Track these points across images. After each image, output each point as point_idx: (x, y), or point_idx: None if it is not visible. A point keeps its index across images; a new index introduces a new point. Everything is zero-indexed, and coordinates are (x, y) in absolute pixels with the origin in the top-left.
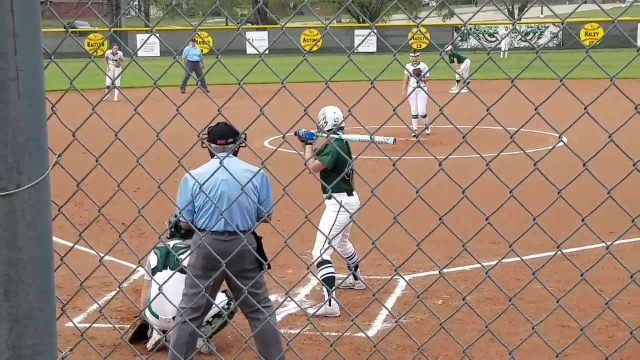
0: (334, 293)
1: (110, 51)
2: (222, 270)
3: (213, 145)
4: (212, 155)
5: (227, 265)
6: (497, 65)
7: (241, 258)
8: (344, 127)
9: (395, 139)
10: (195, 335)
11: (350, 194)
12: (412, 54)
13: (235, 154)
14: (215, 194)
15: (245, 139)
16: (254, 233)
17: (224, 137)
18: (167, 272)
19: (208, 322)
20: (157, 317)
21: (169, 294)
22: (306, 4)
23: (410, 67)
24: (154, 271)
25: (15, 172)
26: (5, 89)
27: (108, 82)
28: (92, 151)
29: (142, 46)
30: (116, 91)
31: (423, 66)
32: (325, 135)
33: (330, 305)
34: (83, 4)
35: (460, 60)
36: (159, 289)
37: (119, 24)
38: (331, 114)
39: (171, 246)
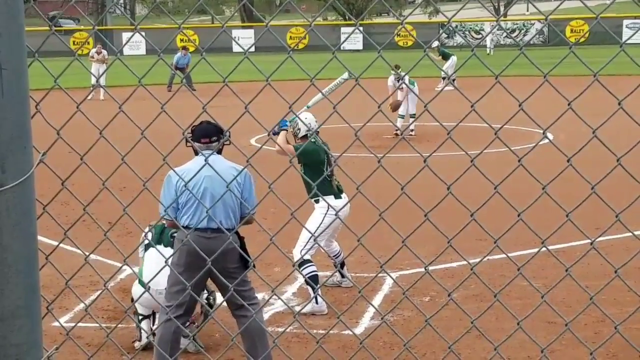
0: (319, 290)
1: (95, 50)
2: (206, 268)
3: (197, 143)
4: (196, 153)
5: (210, 262)
6: (482, 62)
7: (224, 256)
8: (318, 132)
9: (348, 73)
10: (179, 332)
11: (337, 196)
12: (393, 71)
13: (220, 152)
14: (199, 191)
15: (229, 136)
16: (236, 232)
17: (207, 135)
18: (161, 247)
19: (192, 321)
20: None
21: (161, 266)
22: (291, 1)
23: (394, 80)
24: (147, 247)
25: None
26: None
27: (93, 80)
28: (77, 150)
29: (126, 43)
30: (102, 89)
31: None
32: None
33: (317, 302)
34: (68, 2)
35: (446, 57)
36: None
37: (104, 23)
38: (303, 120)
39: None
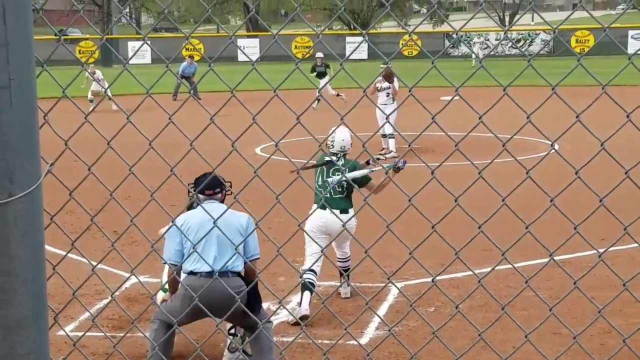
0: (308, 297)
1: (88, 71)
2: (209, 312)
3: (200, 195)
4: (193, 205)
5: (216, 307)
6: (489, 73)
7: (230, 301)
8: (347, 153)
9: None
10: (173, 337)
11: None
12: (383, 65)
13: (222, 202)
14: (204, 234)
15: (231, 186)
16: (241, 276)
17: (210, 187)
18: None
19: (232, 334)
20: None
21: None
22: (298, 12)
23: (381, 81)
24: None
25: (7, 181)
26: None
27: (90, 95)
28: (82, 159)
29: (133, 55)
30: (106, 98)
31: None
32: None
33: (299, 305)
34: (74, 11)
35: (320, 75)
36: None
37: (110, 32)
38: (339, 139)
39: None
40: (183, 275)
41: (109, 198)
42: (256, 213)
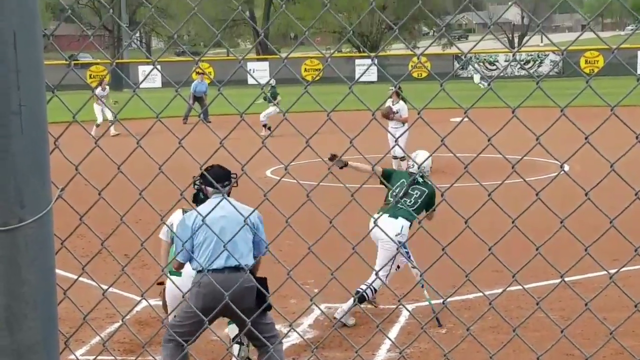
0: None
1: (99, 88)
2: (221, 310)
3: (209, 189)
4: (203, 195)
5: (226, 304)
6: (497, 95)
7: (241, 297)
8: (426, 175)
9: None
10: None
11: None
12: (391, 88)
13: (228, 194)
14: (215, 230)
15: (237, 178)
16: (253, 273)
17: (219, 180)
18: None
19: (239, 343)
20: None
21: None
22: (307, 36)
23: (389, 103)
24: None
25: (17, 206)
26: (8, 123)
27: (99, 120)
28: (92, 183)
29: (143, 80)
30: (112, 127)
31: (400, 106)
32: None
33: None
34: (85, 36)
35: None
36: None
37: (121, 56)
38: (420, 160)
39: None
40: (193, 273)
41: (119, 222)
42: (266, 235)
